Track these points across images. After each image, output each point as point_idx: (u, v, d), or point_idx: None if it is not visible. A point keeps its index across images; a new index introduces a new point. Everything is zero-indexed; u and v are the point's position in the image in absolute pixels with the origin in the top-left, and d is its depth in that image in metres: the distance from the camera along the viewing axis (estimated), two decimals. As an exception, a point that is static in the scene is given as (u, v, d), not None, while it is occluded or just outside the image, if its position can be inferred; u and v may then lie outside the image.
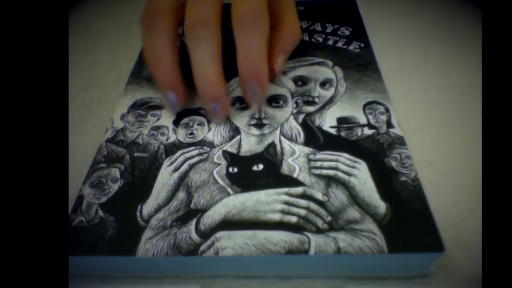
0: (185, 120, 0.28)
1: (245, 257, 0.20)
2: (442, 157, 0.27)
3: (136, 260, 0.21)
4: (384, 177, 0.23)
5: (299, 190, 0.23)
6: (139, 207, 0.23)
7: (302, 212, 0.22)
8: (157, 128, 0.28)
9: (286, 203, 0.22)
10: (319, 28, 0.36)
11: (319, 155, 0.25)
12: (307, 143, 0.26)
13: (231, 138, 0.27)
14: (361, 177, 0.23)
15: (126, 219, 0.22)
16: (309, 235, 0.21)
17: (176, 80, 0.26)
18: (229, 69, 0.33)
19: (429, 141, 0.28)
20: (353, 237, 0.20)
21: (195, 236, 0.21)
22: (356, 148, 0.25)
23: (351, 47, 0.34)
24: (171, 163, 0.25)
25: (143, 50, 0.29)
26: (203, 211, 0.22)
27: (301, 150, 0.26)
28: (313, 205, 0.22)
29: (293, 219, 0.21)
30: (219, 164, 0.25)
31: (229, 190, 0.23)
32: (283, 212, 0.22)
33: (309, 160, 0.25)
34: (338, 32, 0.36)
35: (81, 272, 0.22)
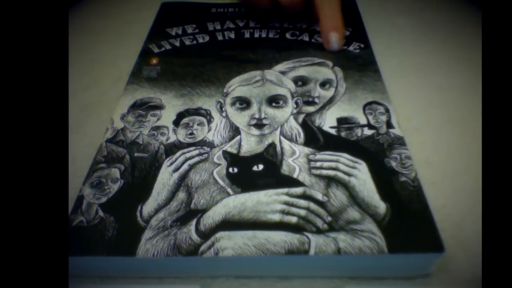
0: (185, 120, 0.28)
1: (245, 258, 0.20)
2: (442, 157, 0.27)
3: (136, 260, 0.21)
4: (384, 178, 0.23)
5: (299, 190, 0.23)
6: (139, 207, 0.23)
7: (302, 212, 0.22)
8: (157, 128, 0.28)
9: (286, 203, 0.22)
10: (319, 28, 0.36)
11: (319, 156, 0.25)
12: (307, 143, 0.26)
13: (231, 138, 0.27)
14: (361, 177, 0.23)
15: (126, 219, 0.22)
16: (309, 235, 0.21)
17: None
18: (232, 71, 0.33)
19: (429, 141, 0.28)
20: (353, 237, 0.20)
21: (195, 237, 0.21)
22: (356, 148, 0.25)
23: (351, 47, 0.34)
24: (171, 163, 0.25)
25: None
26: (203, 211, 0.22)
27: (301, 150, 0.26)
28: (313, 206, 0.22)
29: (293, 219, 0.21)
30: (219, 164, 0.25)
31: (229, 190, 0.23)
32: (283, 212, 0.22)
33: (309, 161, 0.25)
34: (338, 32, 0.36)
35: (81, 272, 0.22)
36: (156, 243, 0.21)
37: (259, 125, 0.27)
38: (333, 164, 0.24)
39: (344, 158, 0.25)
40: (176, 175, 0.25)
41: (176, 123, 0.28)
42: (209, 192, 0.23)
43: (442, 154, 0.27)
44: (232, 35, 0.37)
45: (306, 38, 0.35)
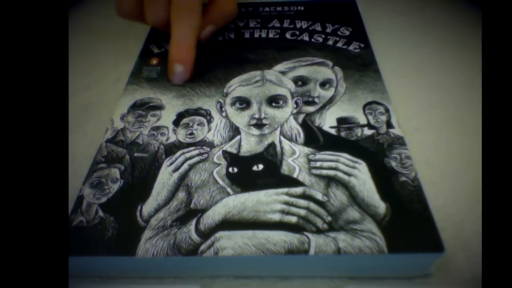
0: (185, 120, 0.28)
1: (245, 257, 0.20)
2: (442, 157, 0.27)
3: (136, 260, 0.21)
4: (384, 177, 0.23)
5: (299, 190, 0.23)
6: (139, 207, 0.23)
7: (302, 212, 0.22)
8: (157, 128, 0.28)
9: (286, 203, 0.22)
10: (319, 28, 0.36)
11: (319, 155, 0.25)
12: (307, 143, 0.26)
13: (231, 138, 0.27)
14: (361, 177, 0.23)
15: (126, 219, 0.22)
16: (309, 235, 0.21)
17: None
18: (232, 71, 0.33)
19: (429, 141, 0.28)
20: (353, 237, 0.20)
21: (195, 236, 0.21)
22: (356, 148, 0.25)
23: (351, 47, 0.34)
24: (171, 163, 0.25)
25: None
26: (203, 211, 0.22)
27: (301, 150, 0.26)
28: (313, 205, 0.22)
29: (293, 219, 0.21)
30: (219, 164, 0.25)
31: (229, 190, 0.23)
32: (283, 212, 0.22)
33: (309, 160, 0.25)
34: (338, 32, 0.36)
35: (81, 272, 0.22)
36: (156, 243, 0.21)
37: (259, 125, 0.27)
38: (333, 164, 0.24)
39: (344, 158, 0.25)
40: (176, 175, 0.25)
41: (176, 123, 0.28)
42: (209, 192, 0.23)
43: (442, 154, 0.27)
44: (232, 35, 0.37)
45: (306, 38, 0.35)
